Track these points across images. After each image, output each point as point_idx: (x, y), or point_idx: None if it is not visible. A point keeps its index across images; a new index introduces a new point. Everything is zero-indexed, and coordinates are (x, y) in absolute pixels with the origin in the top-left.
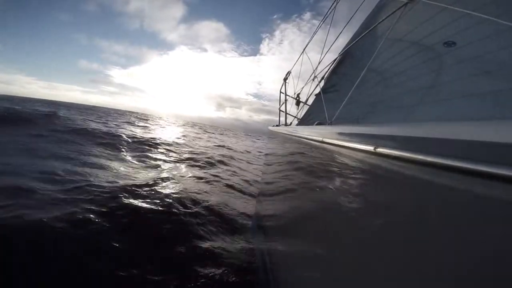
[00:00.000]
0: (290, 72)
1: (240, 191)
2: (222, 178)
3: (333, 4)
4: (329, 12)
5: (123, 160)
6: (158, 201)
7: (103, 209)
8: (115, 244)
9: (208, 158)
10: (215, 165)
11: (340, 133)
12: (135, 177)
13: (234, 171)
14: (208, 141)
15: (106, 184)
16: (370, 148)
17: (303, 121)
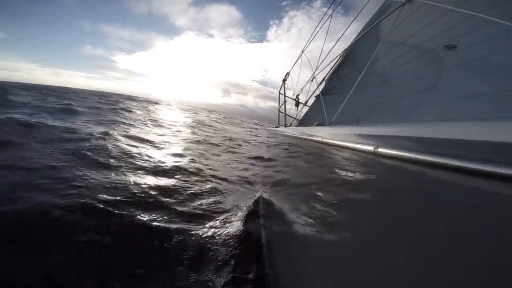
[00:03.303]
0: (289, 73)
1: None
2: None
3: (331, 4)
4: (327, 12)
5: None
6: None
7: None
8: None
9: None
10: None
11: (340, 134)
12: None
13: None
14: None
15: None
16: (370, 148)
17: (302, 122)
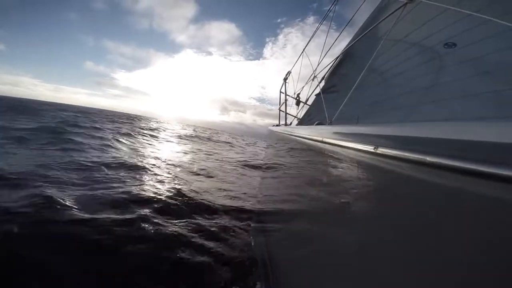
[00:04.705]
0: (290, 72)
1: None
2: None
3: (332, 4)
4: (328, 12)
5: None
6: None
7: None
8: None
9: None
10: None
11: (340, 133)
12: None
13: None
14: None
15: None
16: (370, 148)
17: (303, 121)
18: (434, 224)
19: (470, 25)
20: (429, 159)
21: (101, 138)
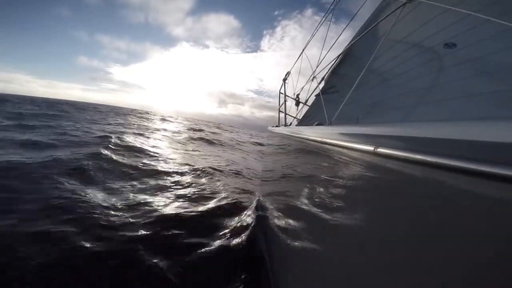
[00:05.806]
0: (290, 73)
1: None
2: None
3: (332, 4)
4: (328, 12)
5: None
6: None
7: None
8: None
9: None
10: None
11: (340, 133)
12: None
13: None
14: None
15: None
16: (370, 148)
17: (302, 122)
18: (434, 224)
19: (470, 26)
20: (429, 159)
21: None
